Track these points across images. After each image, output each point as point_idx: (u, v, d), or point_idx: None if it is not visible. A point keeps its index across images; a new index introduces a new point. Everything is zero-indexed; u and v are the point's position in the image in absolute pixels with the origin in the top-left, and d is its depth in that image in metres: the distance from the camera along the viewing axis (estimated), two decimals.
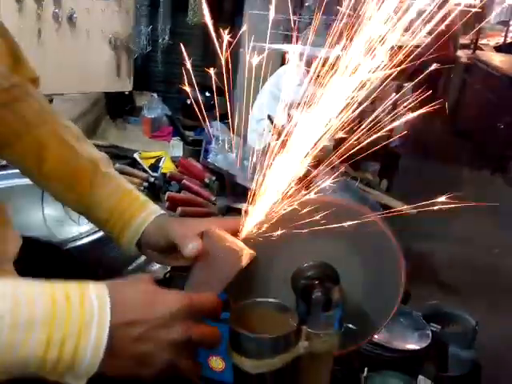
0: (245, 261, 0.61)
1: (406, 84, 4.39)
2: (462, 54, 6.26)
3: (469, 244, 3.39)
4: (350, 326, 0.63)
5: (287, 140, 0.63)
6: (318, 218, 0.64)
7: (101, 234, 0.84)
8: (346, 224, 0.64)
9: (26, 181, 0.96)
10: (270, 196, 0.63)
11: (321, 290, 0.59)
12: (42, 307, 0.46)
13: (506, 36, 6.67)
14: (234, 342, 0.59)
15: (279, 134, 0.63)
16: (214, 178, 1.79)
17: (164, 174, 1.86)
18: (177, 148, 2.80)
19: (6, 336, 0.44)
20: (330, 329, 0.59)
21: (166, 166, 2.09)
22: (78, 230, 0.95)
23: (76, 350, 0.46)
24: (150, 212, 0.73)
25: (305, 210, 0.63)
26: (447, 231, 3.48)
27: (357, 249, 0.65)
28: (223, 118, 3.86)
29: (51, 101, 2.65)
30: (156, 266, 0.96)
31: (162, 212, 0.75)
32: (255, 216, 0.64)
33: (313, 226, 0.64)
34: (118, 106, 3.95)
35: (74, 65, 2.99)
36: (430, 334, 1.11)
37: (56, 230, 0.97)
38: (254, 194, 0.64)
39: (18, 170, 0.95)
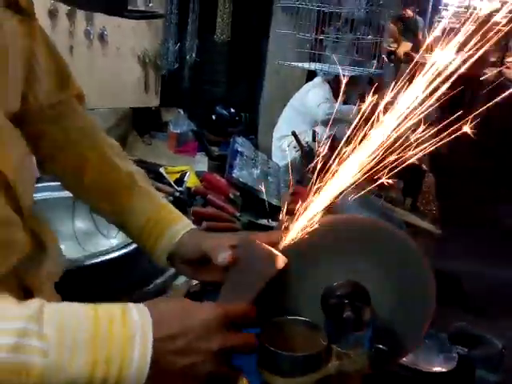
0: (279, 264, 0.61)
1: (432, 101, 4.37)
2: (488, 72, 6.19)
3: (496, 265, 3.31)
4: (381, 346, 0.62)
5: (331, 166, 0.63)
6: (349, 236, 0.64)
7: (129, 248, 0.85)
8: (377, 243, 0.64)
9: (58, 194, 0.99)
10: (310, 212, 0.64)
11: (351, 309, 0.59)
12: (85, 328, 0.47)
13: None
14: (264, 359, 0.59)
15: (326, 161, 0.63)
16: (238, 194, 1.80)
17: (189, 189, 1.87)
18: (201, 163, 2.83)
19: (53, 357, 0.45)
20: (360, 349, 0.58)
21: (191, 181, 2.11)
22: (107, 244, 0.97)
23: (122, 367, 0.47)
24: (185, 224, 0.74)
25: (336, 228, 0.63)
26: (474, 251, 3.42)
27: (388, 268, 0.65)
28: (247, 133, 3.91)
29: None
30: (181, 281, 0.97)
31: (195, 226, 0.76)
32: (292, 232, 0.64)
33: (344, 244, 0.65)
34: (144, 122, 4.03)
35: (104, 80, 3.07)
36: (456, 357, 1.09)
37: (85, 243, 0.99)
38: (294, 209, 0.65)
39: (50, 184, 0.98)
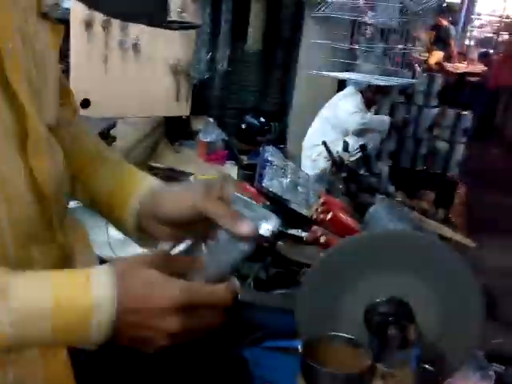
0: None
1: (465, 112, 4.29)
2: None
3: None
4: (427, 366, 0.60)
5: None
6: (392, 250, 0.62)
7: None
8: (422, 257, 0.62)
9: None
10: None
11: (396, 327, 0.57)
12: (48, 299, 0.50)
13: None
14: (306, 375, 0.57)
15: None
16: (267, 203, 1.80)
17: None
18: (231, 171, 2.84)
19: (21, 328, 0.49)
20: (405, 368, 0.56)
21: None
22: (141, 251, 0.97)
23: (81, 336, 0.51)
24: (152, 182, 0.69)
25: (379, 243, 0.62)
26: (508, 264, 3.32)
27: (433, 284, 0.63)
28: (278, 142, 3.90)
29: (114, 124, 2.76)
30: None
31: (158, 181, 0.69)
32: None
33: (387, 258, 0.63)
34: (175, 130, 4.07)
35: (137, 90, 3.12)
36: (493, 375, 1.05)
37: (119, 251, 1.00)
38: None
39: None
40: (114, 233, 0.97)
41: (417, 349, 0.57)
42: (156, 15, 0.67)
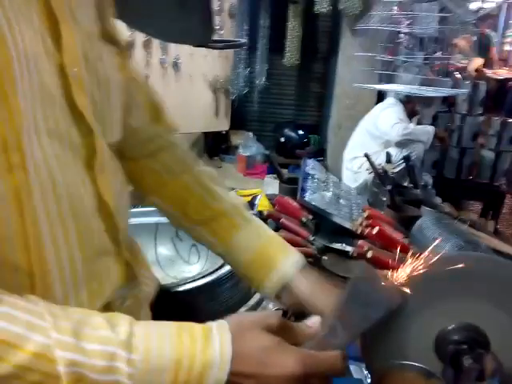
0: (396, 301, 0.57)
1: (510, 120, 4.15)
2: None
3: None
4: None
5: None
6: (465, 275, 0.59)
7: (214, 276, 0.85)
8: (497, 282, 0.58)
9: (141, 220, 1.02)
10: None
11: (472, 356, 0.54)
12: (169, 354, 0.50)
13: None
14: None
15: None
16: (310, 217, 1.78)
17: (260, 212, 1.87)
18: (271, 185, 2.84)
19: (138, 380, 0.48)
20: None
21: (262, 204, 2.11)
22: (189, 270, 0.98)
23: (200, 381, 0.50)
24: (294, 261, 0.73)
25: (449, 267, 0.59)
26: None
27: (506, 310, 0.59)
28: (317, 155, 3.88)
29: None
30: (269, 306, 0.95)
31: (305, 262, 0.73)
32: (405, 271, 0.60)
33: (460, 283, 0.60)
34: (215, 145, 4.12)
35: (177, 106, 3.18)
36: None
37: (168, 269, 1.00)
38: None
39: (134, 210, 1.01)
40: (162, 251, 0.98)
41: (496, 381, 0.54)
42: (201, 35, 0.68)
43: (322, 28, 4.11)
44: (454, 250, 1.07)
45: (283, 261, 0.72)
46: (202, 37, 0.72)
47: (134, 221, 1.01)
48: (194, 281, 0.83)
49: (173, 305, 0.79)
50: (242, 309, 0.87)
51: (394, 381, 0.58)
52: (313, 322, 0.58)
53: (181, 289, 0.81)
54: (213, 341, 0.51)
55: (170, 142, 0.80)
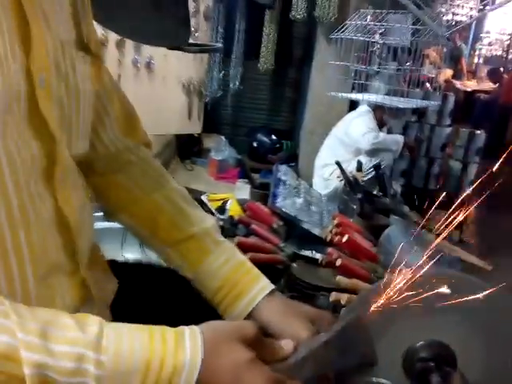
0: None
1: (478, 131, 4.26)
2: None
3: None
4: None
5: None
6: (431, 291, 0.59)
7: None
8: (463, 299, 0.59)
9: (107, 224, 0.99)
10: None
11: (439, 374, 0.54)
12: (139, 358, 0.49)
13: None
14: None
15: None
16: (281, 224, 1.77)
17: (231, 217, 1.86)
18: (242, 190, 2.83)
19: (106, 383, 0.47)
20: None
21: (233, 209, 2.10)
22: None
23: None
24: (262, 287, 0.72)
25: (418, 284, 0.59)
26: None
27: (477, 327, 0.59)
28: (289, 161, 3.89)
29: None
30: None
31: (273, 287, 0.72)
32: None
33: (426, 299, 0.60)
34: (186, 148, 4.09)
35: (150, 108, 3.14)
36: None
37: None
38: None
39: (99, 214, 0.98)
40: (129, 257, 0.95)
41: None
42: (177, 38, 0.66)
43: (298, 35, 4.14)
44: (420, 260, 1.08)
45: (251, 287, 0.71)
46: (178, 39, 0.70)
47: (100, 225, 0.98)
48: None
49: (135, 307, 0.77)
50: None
51: None
52: (286, 343, 0.58)
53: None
54: (184, 346, 0.50)
55: (142, 157, 0.77)
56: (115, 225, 0.97)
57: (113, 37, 3.00)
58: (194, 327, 0.53)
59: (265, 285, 0.72)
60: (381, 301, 0.57)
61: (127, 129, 0.76)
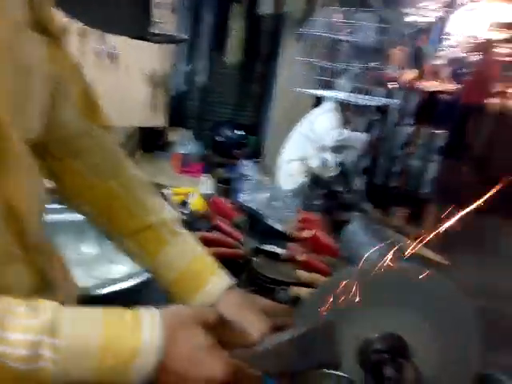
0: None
1: (438, 131, 4.36)
2: (495, 102, 6.22)
3: (505, 298, 3.26)
4: None
5: None
6: (387, 285, 0.60)
7: (141, 278, 0.82)
8: (418, 292, 0.60)
9: (64, 217, 0.96)
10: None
11: (393, 365, 0.55)
12: (95, 340, 0.49)
13: None
14: None
15: None
16: (244, 218, 1.77)
17: (194, 212, 1.85)
18: (206, 185, 2.81)
19: (63, 366, 0.47)
20: None
21: (196, 203, 2.08)
22: (114, 271, 0.93)
23: (123, 379, 0.49)
24: (221, 281, 0.71)
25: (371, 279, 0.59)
26: (482, 284, 3.36)
27: (427, 320, 0.61)
28: (254, 156, 3.89)
29: None
30: None
31: (232, 281, 0.73)
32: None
33: (382, 293, 0.61)
34: (150, 141, 4.02)
35: (112, 99, 3.06)
36: None
37: (92, 269, 0.95)
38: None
39: (57, 206, 0.95)
40: (86, 250, 0.93)
41: None
42: (138, 27, 0.64)
43: (265, 29, 4.13)
44: (379, 255, 1.10)
45: (209, 281, 0.71)
46: (139, 29, 0.69)
47: (56, 218, 0.95)
48: (119, 283, 0.79)
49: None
50: None
51: None
52: (252, 326, 0.58)
53: (104, 291, 0.77)
54: (143, 329, 0.50)
55: (101, 141, 0.75)
56: (74, 217, 0.95)
57: (75, 25, 2.93)
58: (154, 311, 0.53)
59: (223, 278, 0.72)
60: (337, 294, 0.58)
61: (87, 111, 0.74)
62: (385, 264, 0.58)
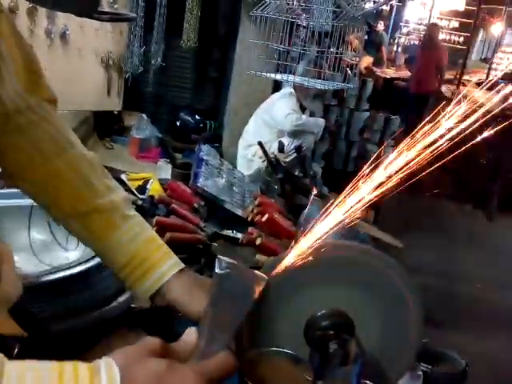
0: (260, 287, 0.57)
1: (393, 116, 4.46)
2: (446, 89, 6.40)
3: (455, 279, 3.39)
4: (368, 382, 0.59)
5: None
6: (332, 262, 0.61)
7: (91, 263, 0.80)
8: (361, 270, 0.61)
9: (12, 202, 0.93)
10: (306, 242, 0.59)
11: (337, 341, 0.56)
12: None
13: (488, 73, 6.85)
14: None
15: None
16: (202, 203, 1.76)
17: (151, 197, 1.81)
18: (164, 170, 2.77)
19: None
20: None
21: (154, 189, 2.05)
22: (66, 257, 0.91)
23: None
24: (171, 264, 0.70)
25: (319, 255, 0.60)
26: (434, 266, 3.48)
27: (371, 297, 0.62)
28: (212, 141, 3.86)
29: None
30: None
31: (182, 266, 0.72)
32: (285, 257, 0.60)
33: (327, 270, 0.61)
34: (106, 125, 3.93)
35: (65, 82, 2.96)
36: (422, 375, 1.08)
37: (42, 255, 0.92)
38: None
39: (4, 191, 0.91)
40: (36, 236, 0.90)
41: (358, 365, 0.56)
42: (85, 5, 0.62)
43: (222, 12, 4.08)
44: (335, 238, 1.12)
45: (161, 263, 0.70)
46: (86, 6, 0.66)
47: (4, 202, 0.92)
48: (69, 268, 0.77)
49: (41, 296, 0.72)
50: (120, 298, 0.83)
51: (263, 368, 0.58)
52: (187, 335, 0.56)
53: (54, 276, 0.75)
54: (100, 379, 0.46)
55: (45, 116, 0.71)
56: (22, 202, 0.92)
57: (23, 4, 2.80)
58: (108, 358, 0.49)
59: (175, 262, 0.71)
60: (284, 269, 0.59)
61: (30, 84, 0.70)
62: (326, 239, 0.58)
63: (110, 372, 0.47)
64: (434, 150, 0.55)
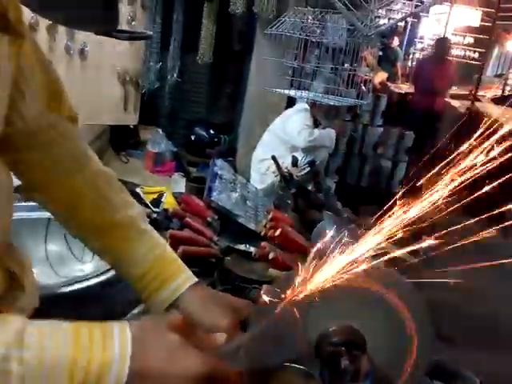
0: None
1: (407, 132, 4.44)
2: (460, 104, 6.35)
3: (469, 295, 3.34)
4: None
5: None
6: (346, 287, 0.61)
7: (107, 276, 0.81)
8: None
9: (29, 214, 0.95)
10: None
11: (348, 358, 0.56)
12: (64, 353, 0.48)
13: (504, 89, 6.80)
14: None
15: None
16: (216, 217, 1.77)
17: (166, 210, 1.83)
18: (178, 184, 2.80)
19: (30, 381, 0.46)
20: None
21: (168, 202, 2.07)
22: (81, 269, 0.92)
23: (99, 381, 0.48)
24: (185, 278, 0.71)
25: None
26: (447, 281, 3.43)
27: (379, 316, 0.62)
28: (227, 155, 3.89)
29: None
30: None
31: (196, 279, 0.73)
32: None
33: (340, 292, 0.62)
34: (122, 139, 3.98)
35: (83, 97, 3.02)
36: None
37: (58, 268, 0.94)
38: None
39: (22, 204, 0.93)
40: (52, 248, 0.91)
41: (369, 382, 0.56)
42: (105, 24, 0.64)
43: (237, 29, 4.14)
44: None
45: (176, 276, 0.71)
46: (105, 25, 0.68)
47: (22, 215, 0.94)
48: (85, 280, 0.78)
49: (58, 307, 0.74)
50: (135, 310, 0.84)
51: (273, 382, 0.58)
52: (219, 335, 0.58)
53: (70, 288, 0.76)
54: (112, 341, 0.49)
55: (65, 134, 0.73)
56: (39, 215, 0.94)
57: (44, 21, 2.87)
58: (123, 322, 0.52)
59: (189, 275, 0.72)
60: (297, 288, 0.59)
61: (51, 102, 0.71)
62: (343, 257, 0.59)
63: (123, 335, 0.50)
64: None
